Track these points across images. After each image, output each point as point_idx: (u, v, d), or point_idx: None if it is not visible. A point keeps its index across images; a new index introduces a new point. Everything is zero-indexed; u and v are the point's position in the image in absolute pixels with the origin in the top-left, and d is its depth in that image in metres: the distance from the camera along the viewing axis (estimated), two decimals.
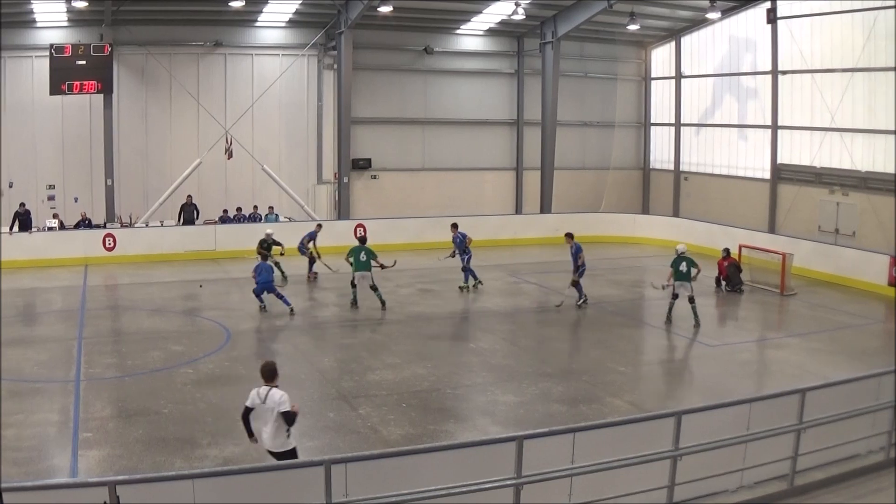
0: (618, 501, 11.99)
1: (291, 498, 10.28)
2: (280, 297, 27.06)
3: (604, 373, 21.07)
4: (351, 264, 27.81)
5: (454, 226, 31.95)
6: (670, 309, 26.25)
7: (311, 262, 32.35)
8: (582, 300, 28.61)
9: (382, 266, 28.25)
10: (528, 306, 30.01)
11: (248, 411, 12.98)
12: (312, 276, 32.40)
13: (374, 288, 27.73)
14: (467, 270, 31.18)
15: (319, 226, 33.37)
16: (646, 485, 12.16)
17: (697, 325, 25.75)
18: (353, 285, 27.97)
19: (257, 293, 27.20)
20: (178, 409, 17.95)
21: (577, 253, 28.54)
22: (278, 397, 12.69)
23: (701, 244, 38.73)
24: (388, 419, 17.52)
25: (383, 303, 27.82)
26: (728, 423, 13.05)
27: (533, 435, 11.69)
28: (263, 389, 12.82)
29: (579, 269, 28.45)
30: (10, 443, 15.76)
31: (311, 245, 32.37)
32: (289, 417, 12.68)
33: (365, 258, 27.58)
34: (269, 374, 13.01)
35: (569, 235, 29.33)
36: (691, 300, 25.88)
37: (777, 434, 13.22)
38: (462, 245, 31.27)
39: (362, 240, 28.93)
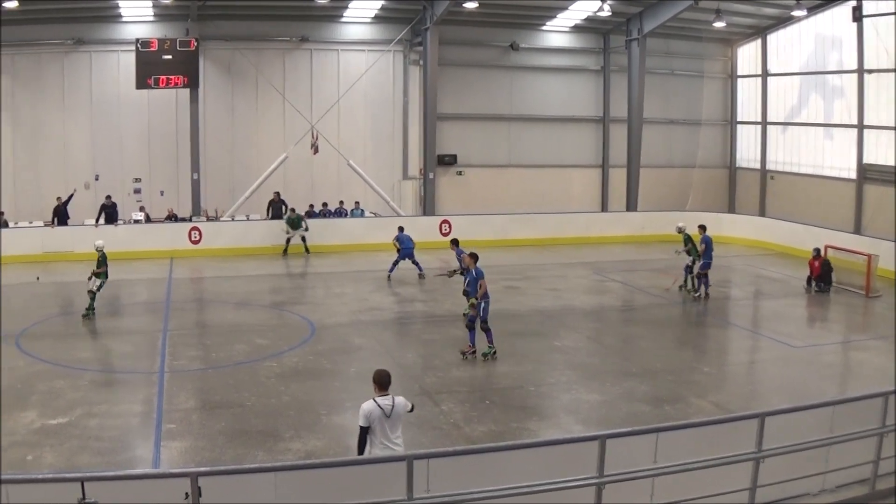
0: (699, 502, 11.89)
1: (373, 492, 10.26)
2: (415, 263, 30.90)
3: (688, 373, 20.92)
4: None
5: (454, 242, 28.04)
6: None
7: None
8: (699, 293, 29.19)
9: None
10: (613, 304, 29.77)
11: (366, 432, 11.90)
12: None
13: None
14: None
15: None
16: (728, 486, 12.01)
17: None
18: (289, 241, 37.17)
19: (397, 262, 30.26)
20: (262, 402, 18.12)
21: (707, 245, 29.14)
22: (404, 402, 12.19)
23: (787, 244, 38.46)
24: (470, 416, 17.52)
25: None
26: (811, 425, 12.84)
27: (616, 434, 11.59)
28: (385, 400, 11.93)
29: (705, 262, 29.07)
30: (93, 433, 16.10)
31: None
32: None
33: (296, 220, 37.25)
34: (387, 382, 12.09)
35: (701, 227, 29.98)
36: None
37: (859, 437, 13.01)
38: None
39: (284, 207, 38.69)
